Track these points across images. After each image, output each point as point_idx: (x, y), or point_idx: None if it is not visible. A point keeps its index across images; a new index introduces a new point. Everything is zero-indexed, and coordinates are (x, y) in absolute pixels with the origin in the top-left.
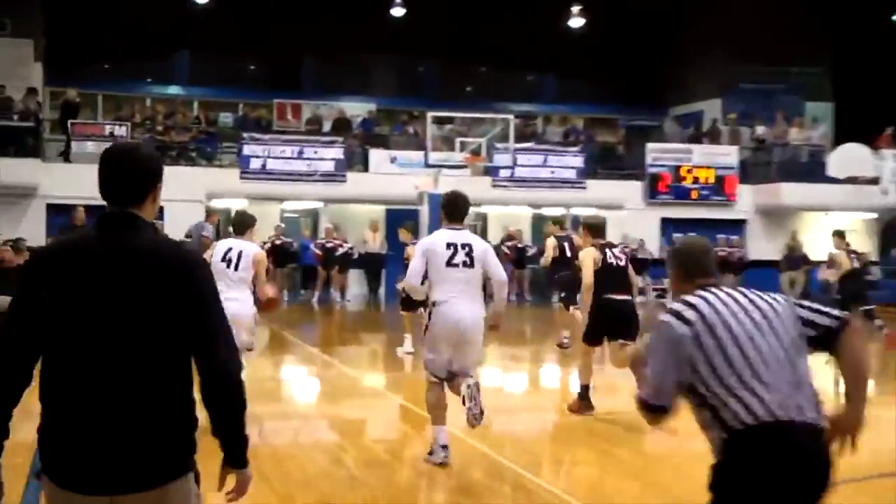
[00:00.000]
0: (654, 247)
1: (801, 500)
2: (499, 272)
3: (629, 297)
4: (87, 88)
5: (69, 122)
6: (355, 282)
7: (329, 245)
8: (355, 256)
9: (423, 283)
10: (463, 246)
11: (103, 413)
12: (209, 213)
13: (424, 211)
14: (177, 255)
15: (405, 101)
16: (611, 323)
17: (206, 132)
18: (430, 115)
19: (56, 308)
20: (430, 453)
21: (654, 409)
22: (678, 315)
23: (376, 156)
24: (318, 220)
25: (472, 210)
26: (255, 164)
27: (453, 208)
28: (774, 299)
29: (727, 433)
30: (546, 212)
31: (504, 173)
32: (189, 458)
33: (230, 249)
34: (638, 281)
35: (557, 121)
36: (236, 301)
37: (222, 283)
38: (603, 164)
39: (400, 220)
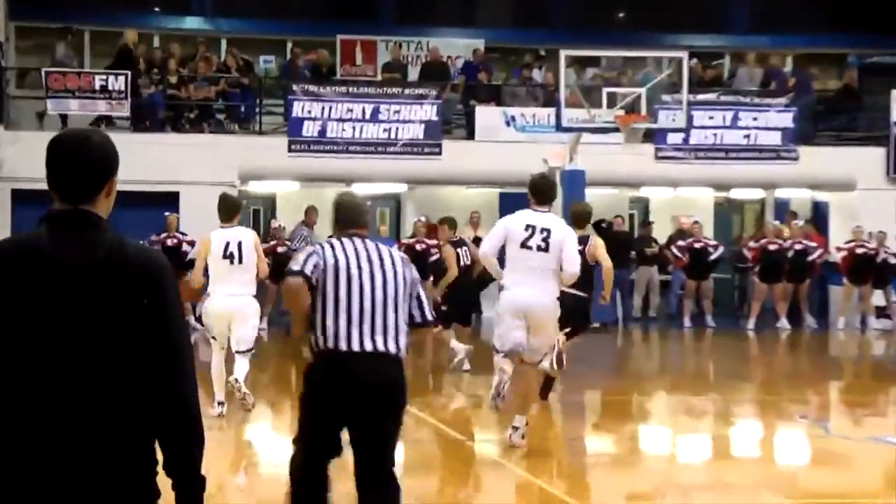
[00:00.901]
0: None
1: (348, 409)
2: (572, 265)
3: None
4: (69, 21)
5: (43, 70)
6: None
7: (420, 247)
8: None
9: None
10: (542, 230)
11: (62, 451)
12: (308, 211)
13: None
14: (141, 257)
15: (526, 35)
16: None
17: (239, 84)
18: (563, 53)
19: (5, 330)
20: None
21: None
22: (322, 247)
23: (485, 116)
24: (401, 210)
25: (626, 193)
26: (309, 129)
27: (539, 190)
28: (397, 264)
29: (312, 348)
30: (737, 194)
31: (673, 139)
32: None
33: (228, 243)
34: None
35: (754, 60)
36: (242, 296)
37: (224, 278)
38: (824, 123)
39: (521, 205)
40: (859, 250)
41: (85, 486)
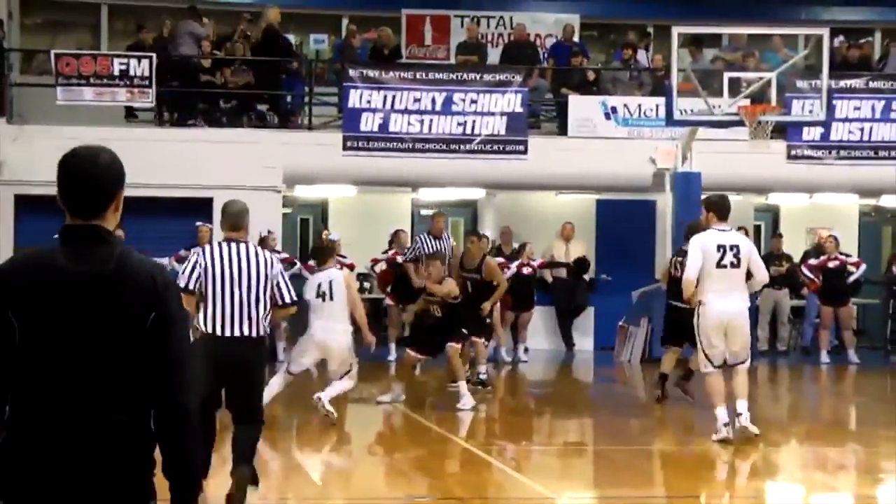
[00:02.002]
0: None
1: (219, 376)
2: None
3: None
4: None
5: (52, 52)
6: (538, 330)
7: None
8: (549, 282)
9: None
10: (731, 247)
11: (69, 450)
12: (435, 215)
13: (666, 200)
14: (150, 272)
15: (630, 9)
16: None
17: (285, 69)
18: (675, 31)
19: (24, 336)
20: (716, 432)
21: None
22: (203, 254)
23: (580, 107)
24: (479, 219)
25: (752, 200)
26: (368, 123)
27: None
28: (261, 265)
29: (198, 330)
30: (890, 202)
31: (810, 134)
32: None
33: (320, 284)
34: None
35: None
36: (334, 332)
37: (318, 315)
38: None
39: (623, 214)
40: None
41: (88, 483)
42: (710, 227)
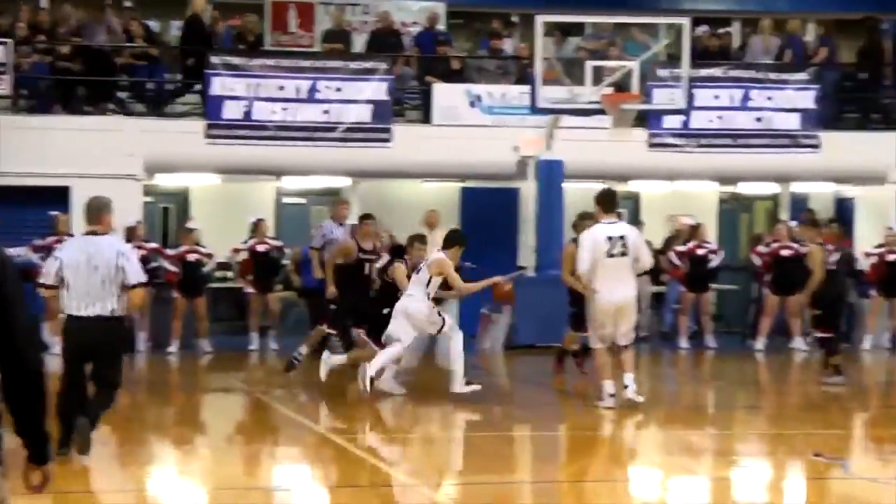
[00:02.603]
0: None
1: (81, 351)
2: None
3: None
4: None
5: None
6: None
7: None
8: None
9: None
10: (619, 238)
11: None
12: (337, 202)
13: (529, 189)
14: None
15: None
16: None
17: (145, 54)
18: (539, 20)
19: None
20: (601, 400)
21: None
22: (62, 248)
23: (445, 95)
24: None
25: (614, 187)
26: (231, 111)
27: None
28: (110, 255)
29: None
30: (747, 189)
31: (671, 123)
32: None
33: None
34: None
35: (767, 27)
36: (410, 296)
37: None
38: (850, 103)
39: (487, 202)
40: (890, 256)
41: None
42: (599, 221)
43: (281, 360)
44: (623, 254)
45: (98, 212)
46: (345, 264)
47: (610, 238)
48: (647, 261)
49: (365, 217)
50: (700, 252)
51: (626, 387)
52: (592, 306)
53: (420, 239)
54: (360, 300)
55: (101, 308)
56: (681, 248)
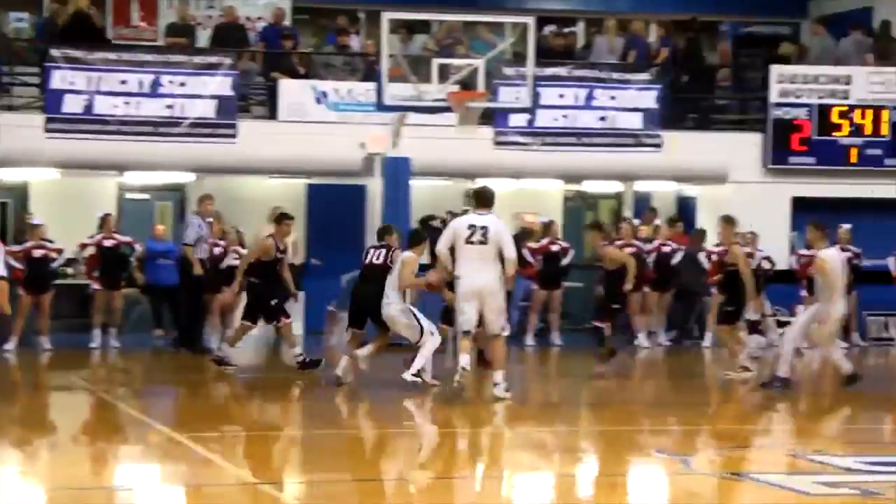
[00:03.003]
0: (779, 245)
1: None
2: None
3: None
4: None
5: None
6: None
7: (214, 250)
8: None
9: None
10: (481, 227)
11: None
12: (202, 198)
13: (376, 186)
14: None
15: None
16: None
17: None
18: (385, 17)
19: None
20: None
21: None
22: None
23: (291, 91)
24: (186, 204)
25: (460, 185)
26: (71, 104)
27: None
28: None
29: None
30: (591, 187)
31: (516, 121)
32: None
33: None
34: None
35: (612, 27)
36: (389, 304)
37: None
38: (692, 103)
39: (334, 199)
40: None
41: None
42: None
43: (122, 357)
44: (482, 242)
45: None
46: (263, 261)
47: (471, 226)
48: (508, 253)
49: (285, 216)
50: (554, 249)
51: (496, 384)
52: (456, 292)
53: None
54: (282, 294)
55: None
56: (534, 245)
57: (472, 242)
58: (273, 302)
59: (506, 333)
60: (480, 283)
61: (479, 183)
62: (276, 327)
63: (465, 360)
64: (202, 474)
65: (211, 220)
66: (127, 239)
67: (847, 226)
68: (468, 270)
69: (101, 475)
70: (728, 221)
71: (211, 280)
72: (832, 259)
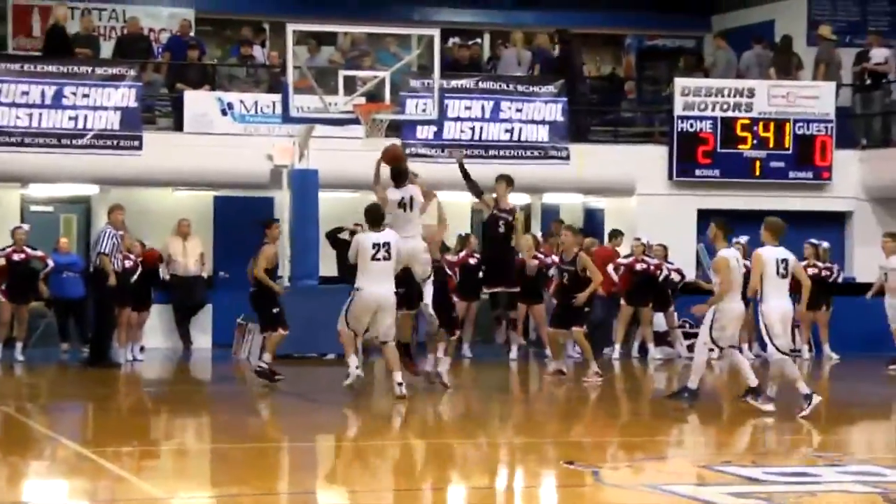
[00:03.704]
0: (683, 257)
1: None
2: None
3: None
4: None
5: None
6: (155, 328)
7: (125, 263)
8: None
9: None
10: (384, 244)
11: None
12: (113, 210)
13: (284, 197)
14: None
15: (246, 4)
16: None
17: None
18: (290, 28)
19: None
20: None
21: None
22: None
23: (197, 102)
24: (91, 216)
25: (368, 197)
26: None
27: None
28: None
29: None
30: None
31: (423, 133)
32: None
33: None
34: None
35: (520, 40)
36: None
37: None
38: (598, 115)
39: (241, 211)
40: (638, 266)
41: None
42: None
43: (28, 371)
44: (386, 258)
45: None
46: (266, 269)
47: (376, 245)
48: (422, 271)
49: (273, 220)
50: (472, 262)
51: (399, 384)
52: (353, 302)
53: None
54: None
55: None
56: (451, 258)
57: (377, 259)
58: (275, 310)
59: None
60: (380, 295)
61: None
62: (267, 335)
63: (353, 360)
64: (114, 489)
65: (121, 231)
66: (39, 253)
67: (744, 238)
68: (369, 284)
69: (5, 491)
70: (569, 229)
71: (120, 293)
72: (731, 259)
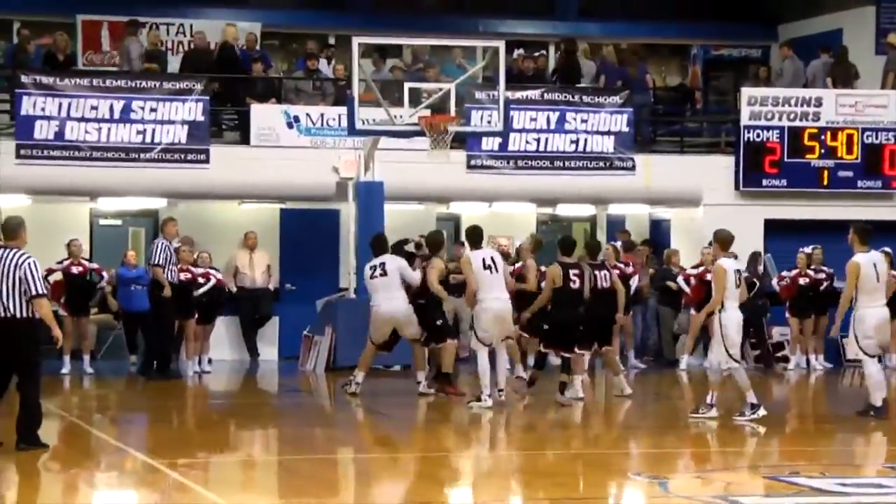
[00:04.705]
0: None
1: None
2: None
3: None
4: None
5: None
6: (222, 340)
7: (184, 276)
8: (229, 295)
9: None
10: (380, 265)
11: None
12: (166, 223)
13: (349, 209)
14: None
15: (312, 18)
16: None
17: None
18: (356, 41)
19: None
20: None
21: None
22: None
23: (263, 115)
24: (159, 230)
25: (434, 209)
26: (42, 130)
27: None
28: (13, 265)
29: None
30: (564, 211)
31: (488, 145)
32: None
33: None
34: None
35: (585, 52)
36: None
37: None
38: (664, 126)
39: (307, 223)
40: (709, 276)
41: None
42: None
43: (97, 383)
44: (383, 274)
45: (13, 229)
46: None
47: (372, 266)
48: (411, 281)
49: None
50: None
51: (418, 382)
52: (372, 320)
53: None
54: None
55: (8, 310)
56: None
57: (375, 277)
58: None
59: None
60: (390, 309)
61: (453, 207)
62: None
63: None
64: (183, 501)
65: (179, 243)
66: (94, 266)
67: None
68: (383, 301)
69: (79, 501)
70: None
71: (183, 306)
72: (864, 263)
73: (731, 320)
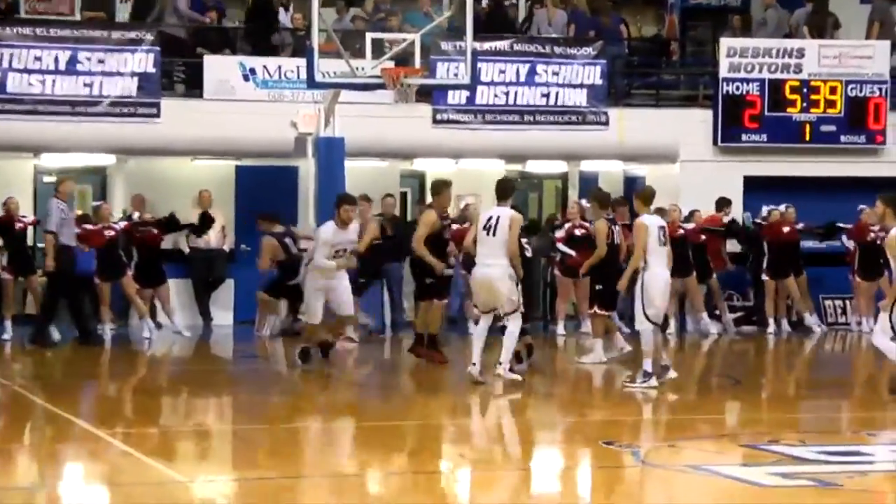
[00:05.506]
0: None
1: None
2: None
3: None
4: None
5: None
6: (174, 304)
7: (108, 233)
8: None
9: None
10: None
11: None
12: (61, 180)
13: (308, 167)
14: None
15: None
16: None
17: None
18: None
19: None
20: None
21: None
22: None
23: (217, 67)
24: (108, 187)
25: (397, 165)
26: None
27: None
28: None
29: None
30: (535, 167)
31: (455, 98)
32: None
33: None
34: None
35: (553, 1)
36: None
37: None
38: (639, 78)
39: (264, 181)
40: (679, 233)
41: None
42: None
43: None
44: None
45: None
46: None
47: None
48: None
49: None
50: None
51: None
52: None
53: None
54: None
55: None
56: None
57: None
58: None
59: None
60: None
61: (417, 164)
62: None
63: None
64: (132, 472)
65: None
66: (29, 219)
67: (782, 206)
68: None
69: (16, 474)
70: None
71: (107, 266)
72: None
73: (654, 279)
